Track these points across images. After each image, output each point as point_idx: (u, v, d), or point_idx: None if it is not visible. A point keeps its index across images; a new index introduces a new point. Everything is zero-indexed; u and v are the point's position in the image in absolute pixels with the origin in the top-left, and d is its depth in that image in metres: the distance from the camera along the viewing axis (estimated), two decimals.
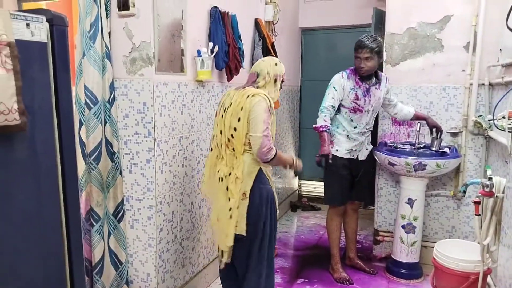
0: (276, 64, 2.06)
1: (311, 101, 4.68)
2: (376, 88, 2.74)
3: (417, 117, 2.87)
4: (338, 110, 2.78)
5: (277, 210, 2.08)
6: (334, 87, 2.72)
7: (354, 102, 2.71)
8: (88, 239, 2.08)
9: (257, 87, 2.00)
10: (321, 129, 2.64)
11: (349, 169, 2.82)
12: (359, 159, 2.84)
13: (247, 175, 1.92)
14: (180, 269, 2.38)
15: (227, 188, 1.93)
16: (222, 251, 1.99)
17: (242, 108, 1.89)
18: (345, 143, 2.77)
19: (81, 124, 1.99)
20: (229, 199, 1.92)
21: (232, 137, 1.93)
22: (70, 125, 1.34)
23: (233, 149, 1.94)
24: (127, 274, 2.20)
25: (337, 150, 2.78)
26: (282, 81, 2.10)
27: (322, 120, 2.67)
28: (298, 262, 3.17)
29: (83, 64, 1.97)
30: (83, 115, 1.99)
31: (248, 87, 1.99)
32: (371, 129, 2.88)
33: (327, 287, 2.76)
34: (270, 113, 1.92)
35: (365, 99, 2.71)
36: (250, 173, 1.93)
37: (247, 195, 1.93)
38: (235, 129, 1.91)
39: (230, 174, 1.94)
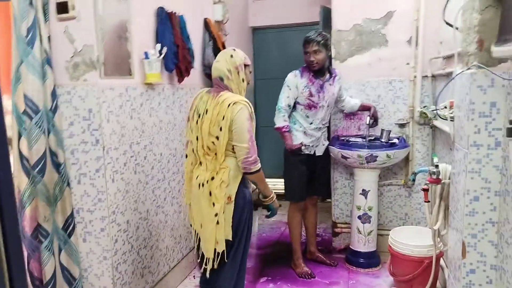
0: (231, 56, 1.97)
1: (266, 99, 4.71)
2: (330, 84, 2.81)
3: (363, 108, 2.99)
4: (294, 107, 2.83)
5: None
6: (288, 86, 2.78)
7: (308, 99, 2.76)
8: (37, 257, 1.96)
9: (231, 90, 1.96)
10: (283, 129, 2.77)
11: (307, 165, 2.86)
12: (316, 154, 2.89)
13: (232, 179, 1.90)
14: (139, 280, 2.30)
15: (210, 194, 1.89)
16: (207, 258, 1.94)
17: (223, 117, 1.85)
18: (302, 139, 2.81)
19: (20, 135, 1.86)
20: (213, 205, 1.88)
21: (214, 144, 1.90)
22: (2, 137, 1.24)
23: (215, 154, 1.91)
24: None
25: None
26: (246, 65, 2.02)
27: (282, 120, 2.77)
28: (261, 260, 3.17)
29: (21, 71, 1.85)
30: (23, 126, 1.86)
31: (223, 92, 1.93)
32: (327, 125, 2.94)
33: (290, 283, 2.78)
34: (251, 119, 1.91)
35: (319, 95, 2.77)
36: (235, 177, 1.91)
37: (233, 198, 1.91)
38: (217, 137, 1.88)
39: (213, 178, 1.90)
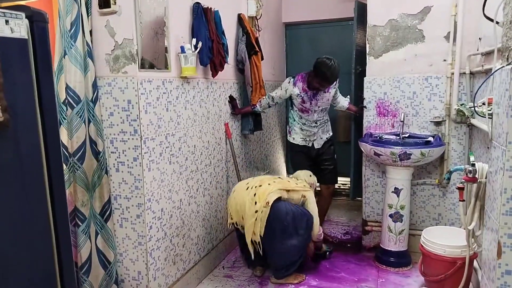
0: (310, 175, 2.94)
1: None
2: (325, 92, 3.06)
3: (349, 109, 3.30)
4: (292, 106, 3.20)
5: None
6: (281, 88, 3.12)
7: (301, 105, 3.06)
8: (73, 240, 2.06)
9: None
10: (252, 107, 3.22)
11: (307, 154, 3.22)
12: (315, 147, 3.16)
13: (274, 193, 2.53)
14: (171, 267, 2.38)
15: (254, 195, 2.51)
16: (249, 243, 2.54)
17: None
18: (299, 133, 3.19)
19: (59, 124, 1.96)
20: (255, 203, 2.49)
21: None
22: (54, 124, 1.32)
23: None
24: (117, 274, 2.19)
25: (294, 138, 3.23)
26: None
27: (258, 101, 3.20)
28: None
29: (64, 63, 1.95)
30: (63, 115, 1.96)
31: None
32: (326, 120, 3.24)
33: (318, 278, 2.77)
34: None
35: (311, 102, 3.06)
36: (275, 192, 2.55)
37: (270, 204, 2.48)
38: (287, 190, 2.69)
39: (260, 185, 2.56)
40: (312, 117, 3.11)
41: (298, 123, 3.17)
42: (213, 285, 2.70)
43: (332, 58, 2.89)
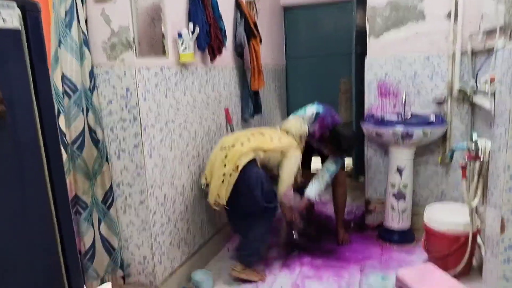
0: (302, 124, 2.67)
1: (297, 79, 4.68)
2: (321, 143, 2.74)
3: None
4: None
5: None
6: (303, 114, 2.78)
7: None
8: (75, 228, 2.07)
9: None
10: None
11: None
12: None
13: (244, 154, 2.33)
14: (176, 250, 2.41)
15: (225, 156, 2.34)
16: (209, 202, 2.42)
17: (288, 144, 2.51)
18: None
19: (59, 113, 1.96)
20: (224, 166, 2.32)
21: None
22: (52, 114, 1.32)
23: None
24: (122, 259, 2.22)
25: None
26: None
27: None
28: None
29: (59, 52, 1.94)
30: (61, 104, 1.96)
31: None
32: None
33: (323, 258, 2.80)
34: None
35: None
36: (247, 155, 2.34)
37: (239, 169, 2.30)
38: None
39: (233, 146, 2.36)
40: None
41: None
42: (219, 266, 2.72)
43: (350, 128, 2.65)
